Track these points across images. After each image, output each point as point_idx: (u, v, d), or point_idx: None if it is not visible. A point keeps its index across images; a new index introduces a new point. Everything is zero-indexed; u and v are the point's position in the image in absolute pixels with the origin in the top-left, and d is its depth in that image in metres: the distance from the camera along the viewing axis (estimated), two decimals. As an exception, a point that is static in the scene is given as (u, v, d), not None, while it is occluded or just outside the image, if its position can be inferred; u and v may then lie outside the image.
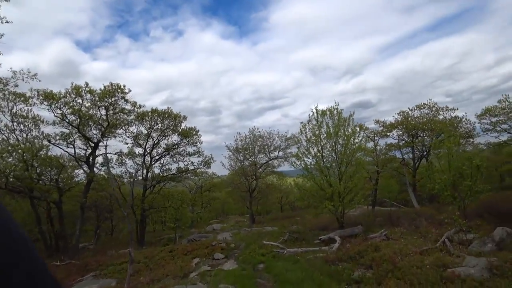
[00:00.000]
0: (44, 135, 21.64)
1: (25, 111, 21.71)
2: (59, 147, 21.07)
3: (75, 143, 21.87)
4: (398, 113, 27.01)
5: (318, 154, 15.96)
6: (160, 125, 23.78)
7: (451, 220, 10.76)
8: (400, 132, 25.67)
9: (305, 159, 16.14)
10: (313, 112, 16.48)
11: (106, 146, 19.85)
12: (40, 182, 21.82)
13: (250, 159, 29.58)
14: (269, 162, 30.16)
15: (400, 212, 19.14)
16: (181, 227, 25.20)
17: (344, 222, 16.42)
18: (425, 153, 24.83)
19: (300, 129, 16.33)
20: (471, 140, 22.57)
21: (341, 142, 15.86)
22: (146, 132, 24.09)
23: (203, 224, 33.14)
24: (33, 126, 22.58)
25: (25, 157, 20.13)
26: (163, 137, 24.51)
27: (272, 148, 29.58)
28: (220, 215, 42.58)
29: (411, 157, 25.81)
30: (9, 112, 21.49)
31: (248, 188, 29.60)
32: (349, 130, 16.03)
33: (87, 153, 21.59)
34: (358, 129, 16.00)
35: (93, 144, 21.28)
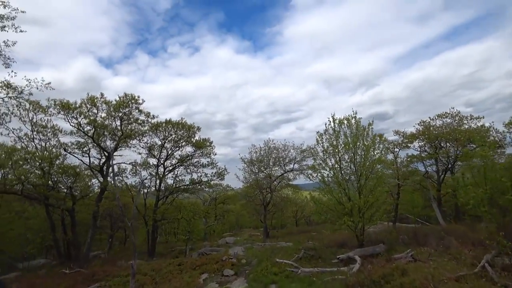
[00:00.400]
0: (61, 144, 21.46)
1: (45, 121, 21.71)
2: (74, 156, 20.76)
3: (90, 153, 21.55)
4: (418, 123, 25.40)
5: (336, 165, 14.72)
6: (174, 135, 23.20)
7: (492, 241, 9.23)
8: (422, 143, 23.97)
9: (322, 171, 14.91)
10: (330, 121, 15.36)
11: (111, 154, 19.26)
12: (55, 190, 21.49)
13: (264, 171, 28.48)
14: (284, 174, 28.94)
15: (426, 230, 17.41)
16: (193, 239, 24.20)
17: (364, 240, 14.93)
18: (449, 165, 22.95)
19: (317, 139, 15.21)
20: (504, 150, 20.57)
21: (360, 153, 14.60)
22: (160, 143, 23.55)
23: (216, 237, 32.00)
24: (52, 135, 22.54)
25: (42, 165, 19.94)
26: (177, 148, 23.90)
27: (287, 161, 28.42)
28: (234, 228, 41.30)
29: (435, 169, 23.94)
30: (30, 121, 21.50)
31: (262, 201, 28.39)
32: (368, 140, 14.77)
33: (101, 162, 21.15)
34: (378, 139, 14.69)
35: (107, 154, 20.82)
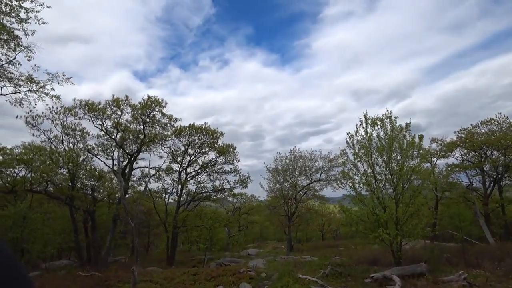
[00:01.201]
0: (86, 146, 21.12)
1: (75, 124, 21.59)
2: (98, 158, 20.25)
3: (113, 155, 20.96)
4: (458, 131, 22.50)
5: (369, 170, 12.68)
6: (197, 141, 22.13)
7: None
8: (464, 151, 21.03)
9: (354, 176, 12.91)
10: (362, 122, 13.43)
11: (133, 158, 18.39)
12: (79, 191, 21.03)
13: (290, 181, 26.56)
14: (311, 185, 26.83)
15: (476, 249, 14.63)
16: (213, 249, 22.63)
17: (401, 257, 12.57)
18: (498, 176, 19.78)
19: (347, 141, 13.31)
20: None
21: (396, 157, 12.50)
22: (183, 148, 22.56)
23: (238, 248, 30.17)
24: (80, 138, 22.35)
25: (68, 166, 19.61)
26: (200, 154, 22.76)
27: (313, 170, 26.36)
28: (257, 240, 39.24)
29: (480, 181, 20.80)
30: (60, 124, 21.43)
31: (287, 212, 26.35)
32: (406, 142, 12.66)
33: (123, 165, 20.43)
34: (417, 140, 12.51)
35: (129, 157, 20.09)
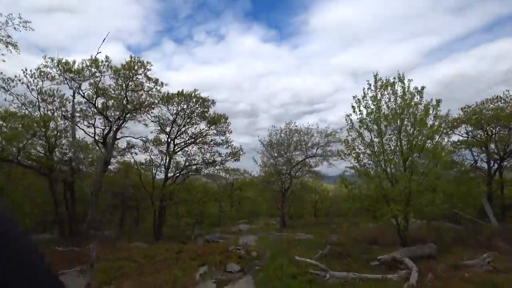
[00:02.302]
0: (62, 112, 18.71)
1: (53, 90, 19.10)
2: (76, 125, 17.95)
3: (95, 123, 18.69)
4: (462, 108, 20.63)
5: (377, 139, 10.79)
6: (186, 109, 19.89)
7: None
8: (469, 128, 19.27)
9: (359, 146, 11.03)
10: (370, 85, 11.37)
11: (114, 124, 16.19)
12: (59, 161, 18.90)
13: (285, 155, 24.71)
14: (306, 160, 25.05)
15: (484, 229, 13.13)
16: (203, 224, 21.07)
17: (408, 237, 10.95)
18: (504, 155, 18.15)
19: (352, 106, 11.29)
20: None
21: (409, 124, 10.61)
22: (172, 117, 20.34)
23: (230, 224, 28.72)
24: (60, 105, 19.91)
25: (47, 134, 17.37)
26: (190, 124, 20.59)
27: (309, 145, 24.50)
28: (250, 216, 37.91)
29: (485, 160, 19.20)
30: (36, 89, 18.91)
31: (281, 188, 24.71)
32: (419, 107, 10.73)
33: (105, 133, 18.25)
34: (431, 108, 10.57)
35: (111, 124, 17.87)
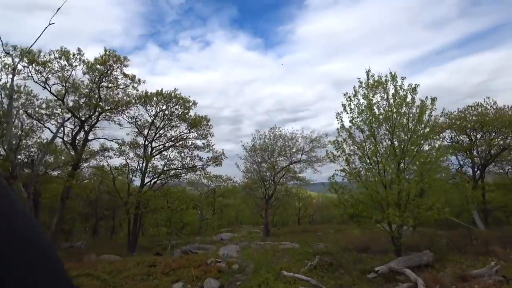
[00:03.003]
0: (25, 109, 16.74)
1: (20, 87, 17.13)
2: (40, 123, 16.09)
3: (64, 123, 16.83)
4: (444, 115, 20.33)
5: (370, 140, 9.82)
6: (166, 110, 18.41)
7: None
8: (454, 134, 18.89)
9: (350, 147, 10.01)
10: (361, 83, 10.46)
11: (85, 122, 14.50)
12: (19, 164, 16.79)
13: (268, 161, 23.53)
14: (290, 166, 23.96)
15: (477, 235, 12.35)
16: (180, 234, 19.39)
17: (402, 245, 9.91)
18: (489, 160, 17.80)
19: (343, 104, 10.30)
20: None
21: (404, 123, 9.73)
22: (150, 119, 18.76)
23: (211, 232, 27.00)
24: (28, 103, 17.91)
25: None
26: (169, 126, 19.07)
27: (294, 150, 23.48)
28: (232, 224, 36.25)
29: (470, 165, 18.82)
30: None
31: (264, 194, 23.43)
32: (415, 107, 9.91)
33: (74, 132, 16.44)
34: (428, 104, 9.76)
35: (80, 123, 16.12)
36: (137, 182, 20.28)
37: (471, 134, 18.31)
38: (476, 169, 18.56)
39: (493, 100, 19.43)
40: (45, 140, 17.16)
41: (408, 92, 9.84)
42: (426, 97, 9.73)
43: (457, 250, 10.65)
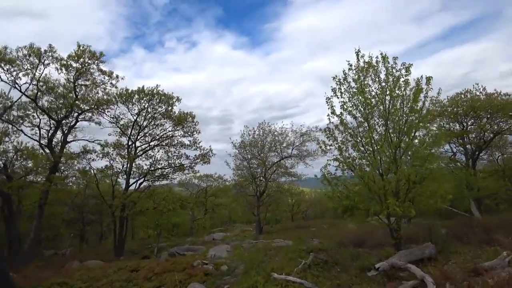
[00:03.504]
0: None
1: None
2: (12, 124, 14.79)
3: (40, 124, 15.58)
4: (433, 103, 19.77)
5: (363, 125, 9.02)
6: (149, 109, 17.31)
7: None
8: (445, 121, 18.29)
9: (342, 134, 9.18)
10: (351, 65, 9.61)
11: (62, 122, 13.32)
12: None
13: (258, 157, 22.61)
14: (281, 161, 23.09)
15: (476, 223, 11.66)
16: (169, 235, 18.34)
17: (401, 238, 9.11)
18: (482, 146, 17.25)
19: (333, 89, 9.45)
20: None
21: (398, 106, 8.95)
22: (133, 118, 17.62)
23: (203, 233, 25.97)
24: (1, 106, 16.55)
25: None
26: (154, 125, 17.98)
27: (284, 145, 22.61)
28: (225, 223, 35.23)
29: (463, 152, 18.25)
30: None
31: (255, 191, 22.52)
32: (409, 88, 9.16)
33: (50, 134, 15.21)
34: (423, 86, 8.98)
35: (56, 124, 14.91)
36: (123, 184, 19.14)
37: (463, 121, 17.74)
38: (469, 157, 18.00)
39: (482, 86, 18.96)
40: (23, 145, 15.91)
41: (404, 69, 9.03)
42: (421, 76, 8.94)
43: (458, 240, 9.90)
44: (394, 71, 9.35)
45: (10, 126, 15.99)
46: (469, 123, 17.97)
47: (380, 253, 9.54)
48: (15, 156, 15.27)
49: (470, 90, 19.29)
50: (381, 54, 9.66)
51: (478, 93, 18.76)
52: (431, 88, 8.97)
